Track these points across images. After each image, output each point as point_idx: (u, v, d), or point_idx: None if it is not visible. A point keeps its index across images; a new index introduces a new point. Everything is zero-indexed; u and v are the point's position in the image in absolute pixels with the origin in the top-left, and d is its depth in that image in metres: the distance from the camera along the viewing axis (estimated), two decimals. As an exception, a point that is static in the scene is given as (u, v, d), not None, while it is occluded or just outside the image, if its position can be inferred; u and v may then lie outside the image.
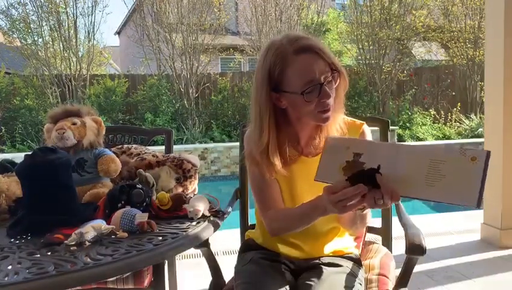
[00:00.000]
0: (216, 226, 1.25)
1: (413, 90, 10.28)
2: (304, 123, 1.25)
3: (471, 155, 0.96)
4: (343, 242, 1.36)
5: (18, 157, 1.40)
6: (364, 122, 1.32)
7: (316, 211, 1.12)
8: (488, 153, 0.95)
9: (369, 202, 1.02)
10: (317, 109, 1.16)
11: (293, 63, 1.14)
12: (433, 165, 0.98)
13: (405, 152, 1.03)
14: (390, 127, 1.64)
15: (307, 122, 1.25)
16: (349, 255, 1.35)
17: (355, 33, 10.21)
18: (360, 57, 10.41)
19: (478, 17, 9.93)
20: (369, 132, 1.31)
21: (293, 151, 1.27)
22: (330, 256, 1.31)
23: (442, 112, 9.99)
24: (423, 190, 0.99)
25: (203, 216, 1.29)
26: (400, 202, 1.58)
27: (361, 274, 1.31)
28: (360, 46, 10.19)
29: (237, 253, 1.45)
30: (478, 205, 0.93)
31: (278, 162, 1.21)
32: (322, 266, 1.25)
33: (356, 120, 1.32)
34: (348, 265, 1.29)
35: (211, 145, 7.94)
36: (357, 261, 1.35)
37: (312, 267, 1.26)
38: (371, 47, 10.13)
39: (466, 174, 0.95)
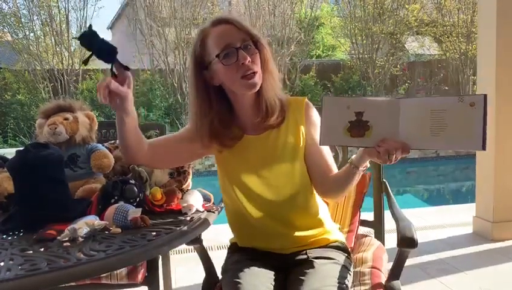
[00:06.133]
0: (209, 222, 1.25)
1: (407, 84, 10.32)
2: (240, 100, 1.25)
3: (469, 101, 0.98)
4: (319, 226, 1.32)
5: (10, 153, 1.39)
6: (306, 97, 1.33)
7: None
8: (485, 97, 0.97)
9: (383, 158, 1.05)
10: (239, 74, 1.17)
11: (210, 34, 1.20)
12: (435, 115, 1.00)
13: (405, 106, 1.04)
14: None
15: (242, 98, 1.24)
16: (335, 243, 1.33)
17: (349, 27, 10.24)
18: (353, 52, 10.44)
19: (471, 12, 9.95)
20: (312, 106, 1.33)
21: (237, 130, 1.27)
22: (317, 248, 1.30)
23: (435, 106, 10.01)
24: (430, 140, 1.02)
25: (197, 211, 1.29)
26: (392, 195, 1.60)
27: (351, 264, 1.32)
28: (354, 41, 10.21)
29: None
30: (484, 148, 0.96)
31: (216, 144, 1.25)
32: (313, 260, 1.25)
33: (298, 97, 1.33)
34: (337, 257, 1.28)
35: (205, 140, 7.90)
36: (345, 251, 1.34)
37: (302, 262, 1.26)
38: (364, 41, 10.15)
39: (468, 120, 0.97)
